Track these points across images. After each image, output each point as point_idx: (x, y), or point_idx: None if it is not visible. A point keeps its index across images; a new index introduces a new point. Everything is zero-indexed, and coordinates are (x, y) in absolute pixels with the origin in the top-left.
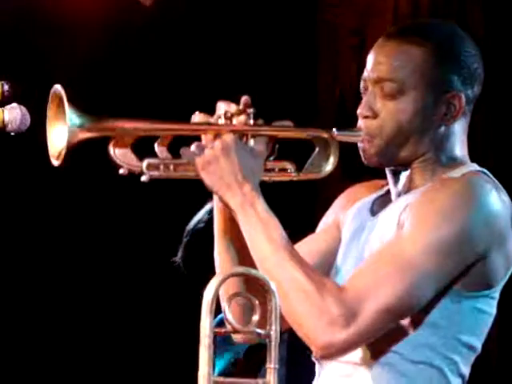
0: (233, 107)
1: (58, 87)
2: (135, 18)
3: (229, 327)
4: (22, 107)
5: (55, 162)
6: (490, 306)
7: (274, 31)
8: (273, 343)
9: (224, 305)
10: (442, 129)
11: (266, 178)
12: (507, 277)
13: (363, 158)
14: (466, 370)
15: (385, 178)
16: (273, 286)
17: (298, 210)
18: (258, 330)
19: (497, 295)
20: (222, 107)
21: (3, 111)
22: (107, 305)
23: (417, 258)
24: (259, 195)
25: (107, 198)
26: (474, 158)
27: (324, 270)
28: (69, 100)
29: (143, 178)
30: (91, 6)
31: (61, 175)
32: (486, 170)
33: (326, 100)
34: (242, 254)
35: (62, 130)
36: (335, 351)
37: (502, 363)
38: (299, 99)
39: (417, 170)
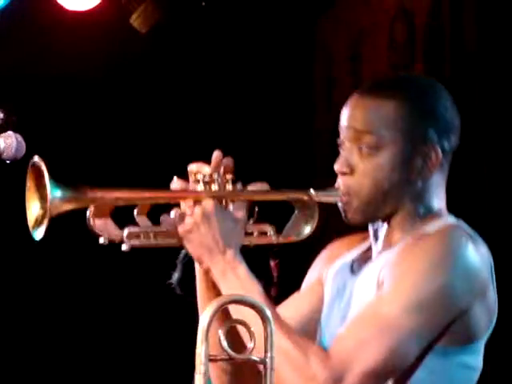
0: (206, 169)
1: (36, 159)
2: (131, 44)
3: (224, 354)
4: (18, 135)
5: (36, 235)
6: (475, 360)
7: (269, 54)
8: (268, 370)
9: (220, 332)
10: (419, 182)
11: (247, 242)
12: (491, 329)
13: (344, 217)
14: None
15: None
16: (268, 313)
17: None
18: (254, 357)
19: (481, 348)
20: (195, 170)
21: None
22: (106, 327)
23: (398, 318)
24: (241, 261)
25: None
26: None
27: (310, 329)
28: (48, 171)
29: (124, 248)
30: (88, 33)
31: None
32: (462, 222)
33: (322, 122)
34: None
35: (43, 203)
36: None
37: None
38: (295, 124)
39: (396, 226)
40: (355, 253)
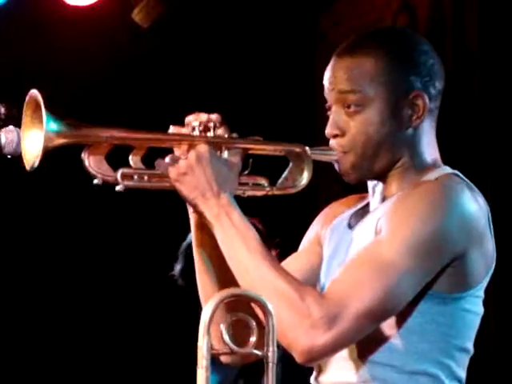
0: (203, 116)
1: (34, 92)
2: (133, 39)
3: (226, 348)
4: (19, 130)
5: (29, 167)
6: (475, 305)
7: (274, 51)
8: (270, 364)
9: (222, 326)
10: (411, 131)
11: (240, 192)
12: (489, 276)
13: (342, 176)
14: (462, 374)
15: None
16: (270, 307)
17: (298, 226)
18: (256, 351)
19: (481, 294)
20: (192, 119)
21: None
22: (106, 318)
23: (394, 259)
24: (235, 205)
25: (107, 205)
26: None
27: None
28: (45, 105)
29: (118, 188)
30: (89, 28)
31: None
32: (458, 172)
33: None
34: (220, 267)
35: (38, 135)
36: (317, 355)
37: (498, 364)
38: (298, 121)
39: (393, 179)
40: (353, 210)
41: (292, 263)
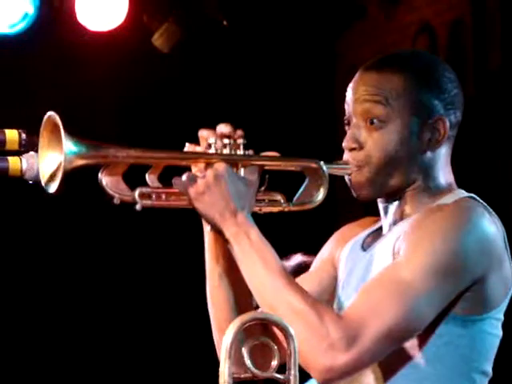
0: (218, 132)
1: (52, 113)
2: (153, 64)
3: (248, 372)
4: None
5: (50, 190)
6: (495, 328)
7: (291, 72)
8: None
9: (243, 350)
10: (428, 154)
11: (257, 209)
12: (508, 298)
13: (353, 191)
14: None
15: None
16: (292, 330)
17: (319, 241)
18: (278, 375)
19: (501, 316)
20: (206, 135)
21: (21, 160)
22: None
23: (413, 280)
24: (253, 224)
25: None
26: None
27: None
28: (64, 126)
29: (136, 207)
30: (110, 53)
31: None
32: (474, 195)
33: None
34: (234, 288)
35: (56, 157)
36: (336, 375)
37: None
38: (318, 139)
39: (407, 200)
40: (367, 232)
41: (303, 283)
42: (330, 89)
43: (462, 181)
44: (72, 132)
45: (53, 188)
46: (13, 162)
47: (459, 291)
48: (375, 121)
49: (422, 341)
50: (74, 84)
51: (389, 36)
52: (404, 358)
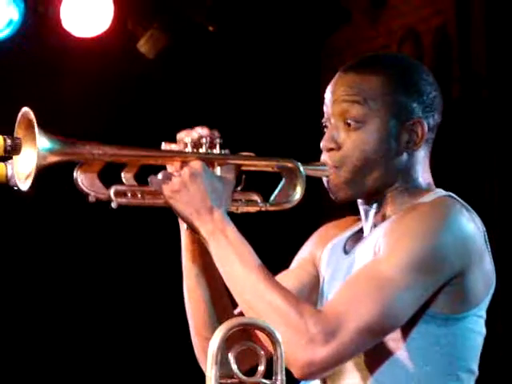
0: (195, 134)
1: (26, 109)
2: (138, 70)
3: (235, 378)
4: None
5: (23, 187)
6: (478, 325)
7: (277, 78)
8: None
9: (230, 356)
10: (406, 156)
11: (234, 208)
12: (489, 296)
13: (331, 193)
14: None
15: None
16: (278, 335)
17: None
18: (264, 381)
19: (483, 314)
20: (183, 136)
21: (6, 166)
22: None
23: (392, 276)
24: (229, 221)
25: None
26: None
27: None
28: (38, 123)
29: (112, 205)
30: (95, 59)
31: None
32: (453, 194)
33: None
34: (211, 287)
35: (31, 154)
36: (316, 369)
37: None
38: (303, 141)
39: (387, 201)
40: (348, 233)
41: (283, 281)
42: (316, 93)
43: (448, 182)
44: (47, 129)
45: (26, 185)
46: (0, 169)
47: (437, 287)
48: (353, 121)
49: (406, 341)
50: (59, 90)
51: (374, 41)
52: (388, 359)
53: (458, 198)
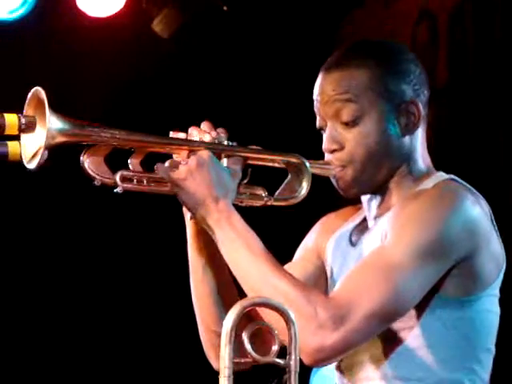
0: (207, 136)
1: (37, 88)
2: (153, 49)
3: (248, 357)
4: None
5: (29, 166)
6: (492, 305)
7: (289, 60)
8: (292, 373)
9: (244, 335)
10: (408, 139)
11: (239, 201)
12: (501, 275)
13: (341, 191)
14: (486, 376)
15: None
16: (292, 315)
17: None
18: (278, 360)
19: (496, 293)
20: (194, 134)
21: (20, 144)
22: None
23: (400, 261)
24: (234, 211)
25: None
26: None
27: None
28: (48, 102)
29: (117, 190)
30: (109, 39)
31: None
32: (454, 176)
33: None
34: (217, 276)
35: (40, 134)
36: (326, 355)
37: None
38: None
39: (390, 190)
40: (351, 224)
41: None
42: None
43: (463, 163)
44: (56, 109)
45: (33, 165)
46: (12, 147)
47: (445, 271)
48: (349, 118)
49: (424, 328)
50: (73, 70)
51: (388, 24)
52: (408, 347)
53: (460, 181)
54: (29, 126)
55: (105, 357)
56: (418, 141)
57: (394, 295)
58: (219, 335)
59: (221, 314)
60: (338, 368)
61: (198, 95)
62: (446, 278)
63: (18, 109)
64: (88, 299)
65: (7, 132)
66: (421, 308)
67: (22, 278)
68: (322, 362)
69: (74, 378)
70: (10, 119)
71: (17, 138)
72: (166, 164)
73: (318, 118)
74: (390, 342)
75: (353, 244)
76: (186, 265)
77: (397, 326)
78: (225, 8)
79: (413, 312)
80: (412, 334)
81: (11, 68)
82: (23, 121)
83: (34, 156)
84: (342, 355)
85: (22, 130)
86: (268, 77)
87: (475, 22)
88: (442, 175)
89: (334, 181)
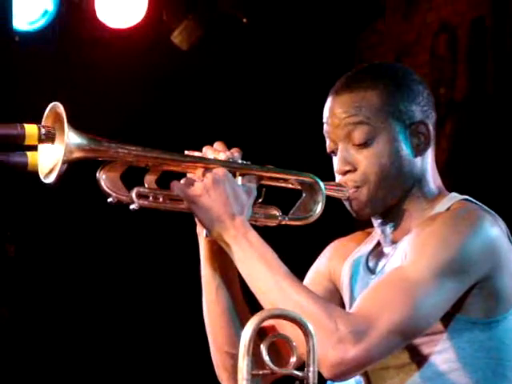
0: (217, 147)
1: (55, 103)
2: (172, 61)
3: (267, 369)
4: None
5: (46, 180)
6: None
7: (312, 72)
8: None
9: (262, 347)
10: (419, 160)
11: (253, 220)
12: None
13: (353, 212)
14: None
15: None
16: (310, 327)
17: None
18: (296, 372)
19: None
20: (209, 152)
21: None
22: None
23: (420, 280)
24: (251, 228)
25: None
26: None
27: None
28: (67, 117)
29: (132, 207)
30: (129, 50)
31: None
32: (468, 197)
33: None
34: (232, 298)
35: (57, 149)
36: (346, 369)
37: None
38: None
39: (405, 213)
40: (364, 249)
41: None
42: None
43: (483, 179)
44: (74, 124)
45: (51, 178)
46: (32, 157)
47: (464, 290)
48: (361, 140)
49: (453, 352)
50: (92, 81)
51: (408, 35)
52: (439, 371)
53: (475, 201)
54: (48, 137)
55: (117, 364)
56: (429, 162)
57: (414, 311)
58: (232, 356)
59: (235, 335)
60: None
61: (215, 107)
62: (470, 299)
63: (37, 119)
64: (101, 318)
65: (27, 142)
66: (449, 332)
67: (39, 289)
68: (341, 376)
69: (86, 381)
70: (30, 129)
71: (35, 149)
72: (182, 181)
73: (327, 141)
74: (421, 367)
75: (371, 270)
76: (196, 282)
77: (426, 350)
78: (244, 20)
79: (441, 336)
80: (442, 358)
81: (31, 79)
82: (43, 131)
83: (51, 171)
84: (362, 370)
85: (41, 140)
86: (287, 88)
87: (495, 35)
88: (455, 196)
89: (346, 203)
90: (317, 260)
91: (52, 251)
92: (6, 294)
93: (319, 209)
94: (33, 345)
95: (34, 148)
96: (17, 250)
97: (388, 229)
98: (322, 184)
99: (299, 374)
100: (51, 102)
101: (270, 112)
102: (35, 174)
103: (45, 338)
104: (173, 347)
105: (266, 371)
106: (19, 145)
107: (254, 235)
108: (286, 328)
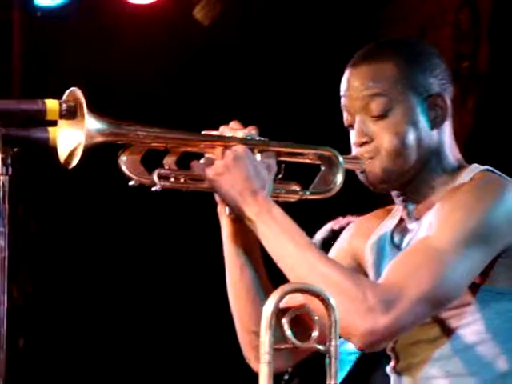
0: (234, 126)
1: (74, 89)
2: (193, 37)
3: (288, 343)
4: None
5: (70, 166)
6: None
7: (333, 46)
8: (333, 359)
9: (284, 320)
10: (436, 134)
11: (274, 196)
12: None
13: (369, 185)
14: None
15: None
16: (333, 301)
17: None
18: (318, 346)
19: None
20: (227, 131)
21: (60, 104)
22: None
23: (447, 249)
24: (273, 203)
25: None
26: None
27: None
28: (86, 103)
29: (155, 188)
30: (150, 26)
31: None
32: (490, 167)
33: None
34: (256, 276)
35: (77, 134)
36: (377, 338)
37: None
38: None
39: (426, 187)
40: (387, 225)
41: None
42: None
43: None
44: (93, 109)
45: (72, 164)
46: (53, 133)
47: (491, 258)
48: (378, 112)
49: (483, 323)
50: (114, 57)
51: (431, 9)
52: (470, 343)
53: (496, 171)
54: (69, 112)
55: (128, 359)
56: (446, 135)
57: (442, 278)
58: (258, 335)
59: (259, 313)
60: (394, 370)
61: (237, 83)
62: (496, 269)
63: (59, 94)
64: (121, 298)
65: (49, 118)
66: (477, 303)
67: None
68: (372, 345)
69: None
70: (52, 104)
71: (56, 125)
72: (202, 161)
73: (345, 114)
74: (451, 339)
75: (397, 246)
76: (216, 267)
77: (455, 323)
78: None
79: (469, 308)
80: (471, 330)
81: (53, 54)
82: (64, 106)
83: (70, 155)
84: (392, 339)
85: (62, 115)
86: (308, 65)
87: None
88: (476, 167)
89: (362, 176)
90: (339, 238)
91: (72, 229)
92: (30, 271)
93: (340, 181)
94: (55, 320)
95: (54, 124)
96: (38, 226)
97: (411, 205)
98: (340, 157)
99: (321, 347)
100: (72, 77)
101: (291, 88)
102: (56, 152)
103: (66, 314)
104: (192, 331)
105: (287, 345)
106: (40, 121)
107: (277, 210)
108: (314, 303)
